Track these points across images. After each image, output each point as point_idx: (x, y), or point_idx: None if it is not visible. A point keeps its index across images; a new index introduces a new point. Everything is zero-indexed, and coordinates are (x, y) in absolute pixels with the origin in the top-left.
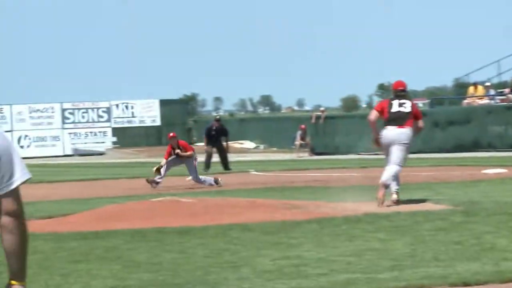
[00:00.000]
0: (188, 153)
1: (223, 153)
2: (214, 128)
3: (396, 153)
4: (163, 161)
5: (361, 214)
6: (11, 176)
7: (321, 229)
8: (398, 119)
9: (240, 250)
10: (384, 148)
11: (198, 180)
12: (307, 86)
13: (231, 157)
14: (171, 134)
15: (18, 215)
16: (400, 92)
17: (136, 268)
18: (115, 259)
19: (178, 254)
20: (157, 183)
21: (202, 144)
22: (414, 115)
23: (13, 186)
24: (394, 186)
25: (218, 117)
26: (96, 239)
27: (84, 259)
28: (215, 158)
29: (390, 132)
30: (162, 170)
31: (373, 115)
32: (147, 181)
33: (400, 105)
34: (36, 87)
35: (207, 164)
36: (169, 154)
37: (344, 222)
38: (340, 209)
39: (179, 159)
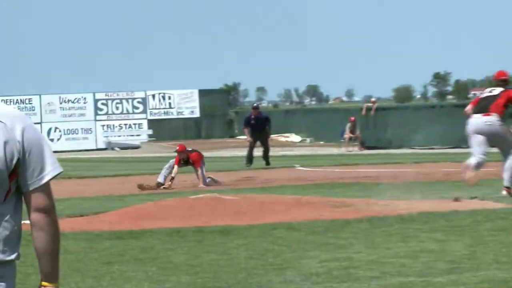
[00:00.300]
0: (198, 171)
1: (266, 146)
2: (252, 117)
3: (501, 146)
4: (174, 169)
5: (415, 212)
6: (42, 170)
7: (373, 228)
8: (483, 107)
9: (285, 251)
10: (470, 136)
11: (207, 185)
12: (357, 76)
13: (275, 151)
14: (178, 148)
15: (50, 211)
16: (500, 82)
17: (174, 270)
18: (151, 261)
19: (219, 255)
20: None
21: (244, 137)
22: (505, 99)
23: (44, 181)
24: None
25: (255, 104)
26: (131, 239)
27: (118, 260)
28: (257, 152)
29: (475, 121)
30: (167, 171)
31: (469, 107)
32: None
33: (490, 91)
34: (67, 76)
35: (249, 158)
36: (179, 162)
37: (397, 221)
38: (393, 207)
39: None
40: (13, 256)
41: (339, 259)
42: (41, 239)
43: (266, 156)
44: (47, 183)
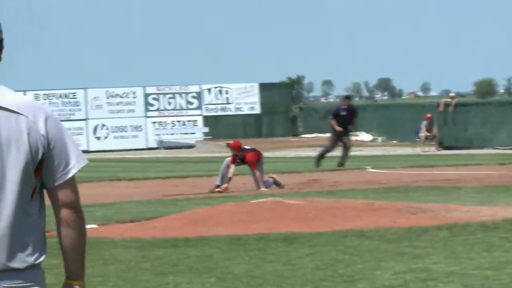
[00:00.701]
0: (255, 174)
1: (350, 143)
2: (343, 107)
3: None
4: (231, 169)
5: (500, 219)
6: (67, 163)
7: (453, 237)
8: None
9: (356, 261)
10: None
11: (267, 186)
12: (434, 68)
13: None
14: (231, 144)
15: (76, 207)
16: None
17: (233, 282)
18: (208, 271)
19: (283, 266)
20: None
21: (311, 135)
22: None
23: (70, 175)
24: None
25: (348, 93)
26: (186, 247)
27: (172, 271)
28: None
29: None
30: (224, 171)
31: None
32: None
33: None
34: (115, 68)
35: (322, 157)
36: (235, 160)
37: (480, 229)
38: (475, 214)
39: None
40: (42, 258)
41: (415, 270)
42: (68, 236)
43: (346, 155)
44: (73, 177)
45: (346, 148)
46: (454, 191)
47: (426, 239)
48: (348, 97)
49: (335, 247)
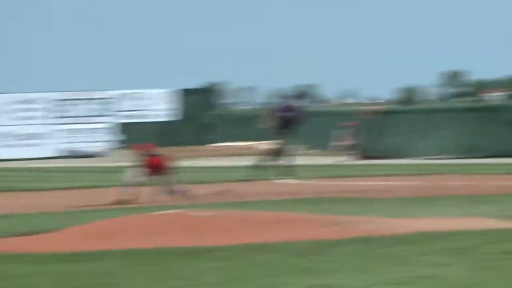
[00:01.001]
0: (162, 179)
1: (284, 152)
2: (290, 109)
3: None
4: (138, 177)
5: (414, 232)
6: None
7: (365, 250)
8: None
9: (260, 276)
10: None
11: (173, 193)
12: (356, 75)
13: (250, 160)
14: (136, 145)
15: None
16: None
17: None
18: (105, 286)
19: (182, 281)
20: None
21: (227, 144)
22: None
23: None
24: None
25: (299, 93)
26: (82, 262)
27: (67, 286)
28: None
29: None
30: (131, 181)
31: None
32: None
33: None
34: (22, 73)
35: (277, 152)
36: (143, 166)
37: (393, 243)
38: (389, 226)
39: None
40: None
41: (322, 286)
42: None
43: (280, 163)
44: None
45: (280, 154)
46: (366, 202)
47: (336, 253)
48: (298, 97)
49: (238, 261)
